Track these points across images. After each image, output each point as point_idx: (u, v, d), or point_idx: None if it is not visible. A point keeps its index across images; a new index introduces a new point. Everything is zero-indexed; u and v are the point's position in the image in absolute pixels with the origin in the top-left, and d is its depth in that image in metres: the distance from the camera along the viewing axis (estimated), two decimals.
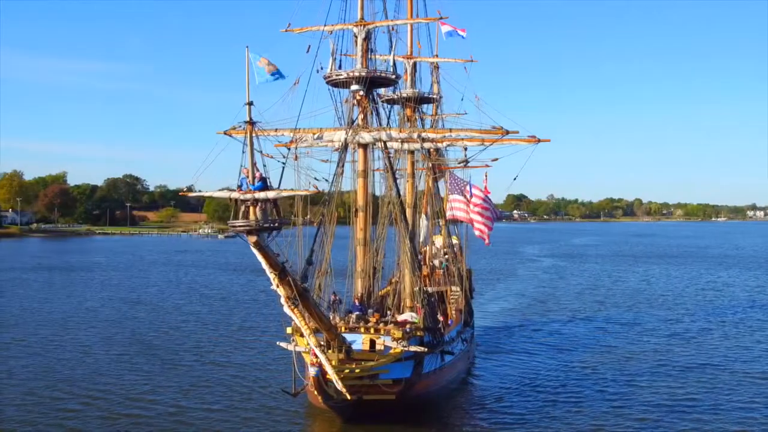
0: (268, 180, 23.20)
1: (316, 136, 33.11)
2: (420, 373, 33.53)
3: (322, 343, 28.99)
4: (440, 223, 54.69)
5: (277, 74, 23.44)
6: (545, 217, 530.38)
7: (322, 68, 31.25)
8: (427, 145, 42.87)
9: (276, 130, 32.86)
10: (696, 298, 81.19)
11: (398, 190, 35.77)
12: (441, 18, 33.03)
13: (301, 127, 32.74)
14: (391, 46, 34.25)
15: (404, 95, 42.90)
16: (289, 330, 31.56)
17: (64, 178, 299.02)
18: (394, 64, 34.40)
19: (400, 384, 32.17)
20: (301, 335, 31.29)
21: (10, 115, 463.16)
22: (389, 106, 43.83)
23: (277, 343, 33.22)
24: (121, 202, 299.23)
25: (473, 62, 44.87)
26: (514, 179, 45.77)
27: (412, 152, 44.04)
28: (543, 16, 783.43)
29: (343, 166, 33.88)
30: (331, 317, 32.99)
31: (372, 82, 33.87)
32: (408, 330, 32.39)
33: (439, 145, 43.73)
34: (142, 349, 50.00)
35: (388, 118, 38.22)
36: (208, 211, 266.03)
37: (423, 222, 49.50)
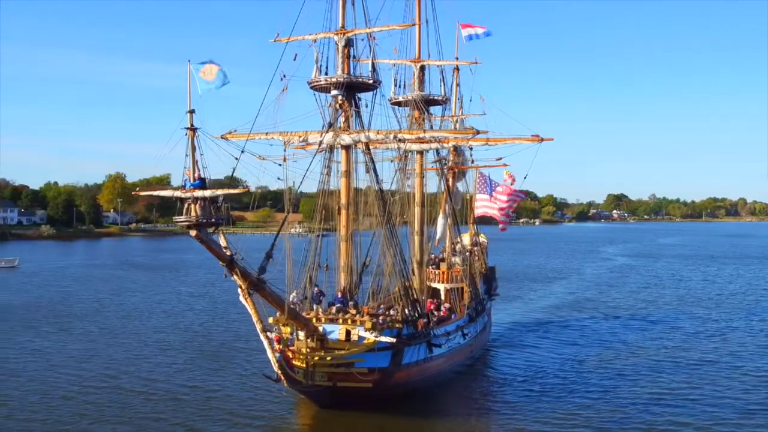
0: (206, 180, 25.64)
1: (301, 138, 35.34)
2: (399, 363, 35.12)
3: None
4: (465, 222, 56.24)
5: (222, 80, 25.60)
6: (645, 217, 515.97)
7: (285, 76, 33.32)
8: (433, 146, 44.62)
9: (267, 134, 35.55)
10: (747, 298, 79.25)
11: (381, 189, 37.54)
12: (413, 24, 34.53)
13: (288, 130, 35.24)
14: (371, 52, 35.93)
15: (410, 98, 44.52)
16: (271, 320, 33.83)
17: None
18: (374, 68, 36.13)
19: (377, 373, 33.89)
20: (284, 324, 33.72)
21: (123, 118, 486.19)
22: (399, 108, 45.81)
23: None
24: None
25: (477, 64, 46.24)
26: (525, 178, 47.36)
27: (421, 152, 45.60)
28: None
29: (329, 166, 36.15)
30: (315, 309, 35.31)
31: (352, 87, 35.92)
32: (381, 321, 34.15)
33: (445, 145, 45.43)
34: (186, 337, 54.07)
35: (386, 120, 40.00)
36: (304, 211, 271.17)
37: (440, 220, 50.88)
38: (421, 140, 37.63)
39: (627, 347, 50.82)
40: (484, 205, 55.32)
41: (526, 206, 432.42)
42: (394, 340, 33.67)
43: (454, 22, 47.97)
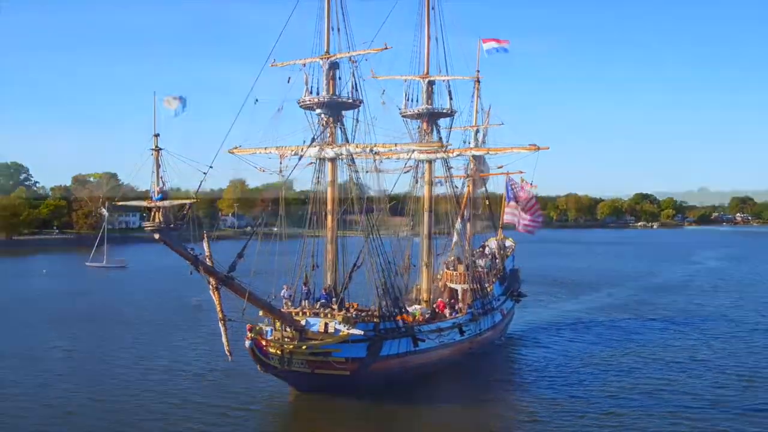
0: (167, 193, 30.49)
1: (293, 152, 39.80)
2: (376, 354, 38.78)
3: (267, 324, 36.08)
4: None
5: (180, 110, 30.41)
6: None
7: (257, 100, 37.66)
8: (441, 155, 48.08)
9: (265, 148, 40.55)
10: None
11: (363, 193, 41.52)
12: (386, 48, 37.97)
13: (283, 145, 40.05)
14: (352, 74, 39.87)
15: (418, 111, 48.11)
16: (261, 313, 38.30)
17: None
18: (356, 88, 40.04)
19: (354, 362, 37.70)
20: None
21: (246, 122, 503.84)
22: (410, 120, 49.54)
23: (258, 323, 40.11)
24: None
25: (480, 78, 49.39)
26: (531, 184, 50.11)
27: (430, 162, 49.02)
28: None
29: (319, 176, 40.67)
30: (303, 304, 39.69)
31: (335, 106, 40.05)
32: (354, 316, 38.02)
33: (451, 155, 48.90)
34: (236, 326, 59.43)
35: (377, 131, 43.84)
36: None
37: (458, 225, 54.05)
38: (389, 152, 41.01)
39: (639, 346, 52.39)
40: (509, 212, 57.79)
41: (645, 209, 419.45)
42: (362, 332, 37.43)
43: (465, 36, 51.19)
